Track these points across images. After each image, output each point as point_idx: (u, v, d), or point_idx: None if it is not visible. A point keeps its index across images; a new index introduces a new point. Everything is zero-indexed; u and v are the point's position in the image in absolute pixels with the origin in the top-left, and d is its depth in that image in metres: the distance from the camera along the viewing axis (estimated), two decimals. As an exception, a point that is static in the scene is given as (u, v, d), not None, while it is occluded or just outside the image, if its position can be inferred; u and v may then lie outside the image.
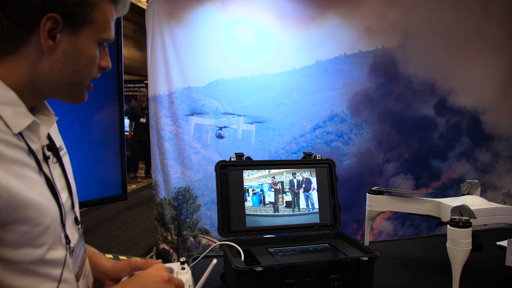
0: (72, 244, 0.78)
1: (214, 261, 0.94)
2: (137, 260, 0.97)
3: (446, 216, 1.43)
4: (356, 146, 3.09)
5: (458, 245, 1.24)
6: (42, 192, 0.71)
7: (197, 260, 1.39)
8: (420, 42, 2.99)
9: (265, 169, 1.49)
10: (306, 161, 1.57)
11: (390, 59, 3.03)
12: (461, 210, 1.31)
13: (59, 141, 0.88)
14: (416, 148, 3.13)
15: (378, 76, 3.06)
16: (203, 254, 1.39)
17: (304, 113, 3.07)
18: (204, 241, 3.13)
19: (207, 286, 1.33)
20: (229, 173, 1.43)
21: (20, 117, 0.69)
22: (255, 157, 1.54)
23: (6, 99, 0.68)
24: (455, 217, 1.27)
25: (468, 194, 1.61)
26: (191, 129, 3.11)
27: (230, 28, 3.02)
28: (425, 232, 3.07)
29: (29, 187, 0.67)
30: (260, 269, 1.15)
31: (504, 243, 1.71)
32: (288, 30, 2.98)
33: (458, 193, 1.68)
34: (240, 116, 3.07)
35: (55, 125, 0.89)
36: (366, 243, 1.73)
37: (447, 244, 1.26)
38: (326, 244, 1.45)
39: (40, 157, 0.74)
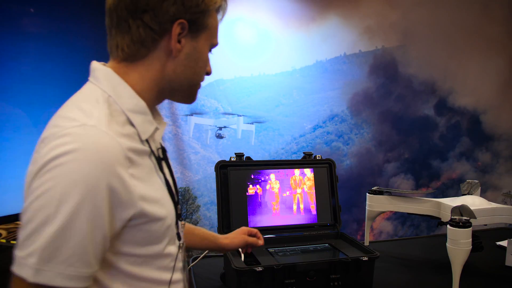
0: (182, 241, 0.86)
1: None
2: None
3: (446, 216, 1.43)
4: (356, 146, 3.09)
5: (458, 245, 1.24)
6: (164, 193, 0.78)
7: (197, 260, 1.39)
8: (420, 42, 2.99)
9: (265, 169, 1.49)
10: (306, 161, 1.57)
11: (390, 59, 3.03)
12: (461, 210, 1.31)
13: (161, 142, 0.95)
14: (416, 148, 3.13)
15: (378, 76, 3.06)
16: (203, 254, 1.39)
17: (304, 113, 3.07)
18: (204, 241, 3.13)
19: (207, 286, 1.33)
20: (229, 173, 1.43)
21: (148, 124, 0.76)
22: (255, 157, 1.54)
23: (138, 108, 0.75)
24: (455, 217, 1.27)
25: (468, 194, 1.61)
26: (190, 129, 3.11)
27: (230, 28, 3.02)
28: (425, 232, 3.07)
29: (156, 190, 0.75)
30: (260, 269, 1.15)
31: (504, 243, 1.71)
32: (288, 30, 2.98)
33: (458, 193, 1.68)
34: (240, 116, 3.07)
35: None
36: (366, 243, 1.73)
37: (447, 244, 1.26)
38: (326, 244, 1.45)
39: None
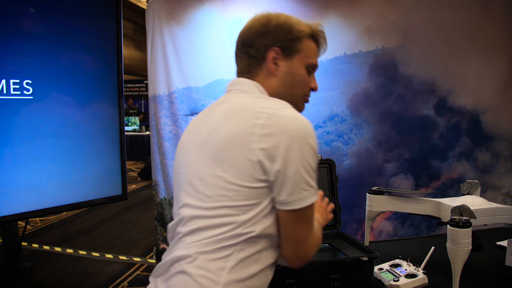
0: None
1: (432, 248, 1.43)
2: None
3: (446, 216, 1.43)
4: (356, 146, 3.09)
5: (458, 245, 1.24)
6: None
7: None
8: (420, 42, 2.99)
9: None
10: (306, 161, 1.57)
11: (390, 59, 3.03)
12: (461, 210, 1.31)
13: None
14: (416, 148, 3.13)
15: (378, 76, 3.06)
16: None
17: (304, 113, 3.05)
18: (204, 241, 3.13)
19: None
20: (229, 173, 1.43)
21: None
22: (255, 157, 1.54)
23: None
24: (455, 217, 1.27)
25: (468, 194, 1.61)
26: (191, 129, 3.10)
27: (230, 28, 3.02)
28: (425, 232, 3.07)
29: None
30: (260, 269, 1.14)
31: (504, 243, 1.71)
32: (288, 30, 2.98)
33: (458, 193, 1.68)
34: (240, 116, 3.07)
35: None
36: (366, 243, 1.73)
37: (447, 244, 1.26)
38: (326, 244, 1.45)
39: None
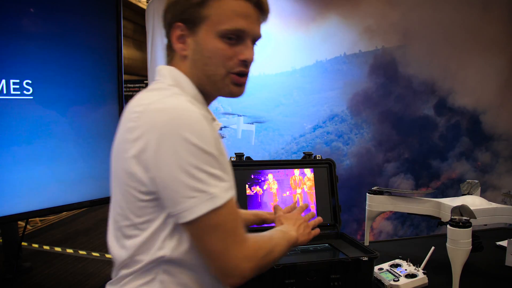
0: None
1: (433, 248, 1.40)
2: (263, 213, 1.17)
3: (446, 216, 1.43)
4: (356, 146, 3.09)
5: (458, 245, 1.24)
6: None
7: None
8: (420, 42, 2.99)
9: (265, 169, 1.49)
10: (306, 161, 1.57)
11: (390, 59, 3.03)
12: (461, 210, 1.31)
13: None
14: (416, 148, 3.13)
15: (378, 76, 3.06)
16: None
17: (304, 113, 3.07)
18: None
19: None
20: (229, 173, 1.43)
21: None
22: (255, 157, 1.54)
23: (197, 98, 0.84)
24: (455, 217, 1.27)
25: (468, 194, 1.61)
26: (191, 129, 3.09)
27: (230, 28, 3.02)
28: (425, 232, 3.07)
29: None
30: (260, 269, 1.14)
31: (504, 243, 1.72)
32: (288, 30, 2.98)
33: (458, 193, 1.68)
34: (240, 116, 3.07)
35: None
36: (366, 243, 1.73)
37: (447, 244, 1.26)
38: (326, 244, 1.45)
39: None
